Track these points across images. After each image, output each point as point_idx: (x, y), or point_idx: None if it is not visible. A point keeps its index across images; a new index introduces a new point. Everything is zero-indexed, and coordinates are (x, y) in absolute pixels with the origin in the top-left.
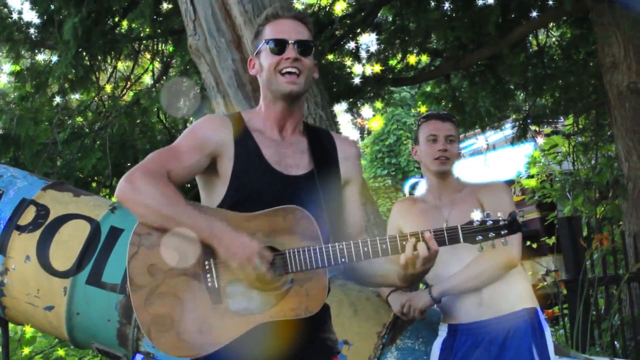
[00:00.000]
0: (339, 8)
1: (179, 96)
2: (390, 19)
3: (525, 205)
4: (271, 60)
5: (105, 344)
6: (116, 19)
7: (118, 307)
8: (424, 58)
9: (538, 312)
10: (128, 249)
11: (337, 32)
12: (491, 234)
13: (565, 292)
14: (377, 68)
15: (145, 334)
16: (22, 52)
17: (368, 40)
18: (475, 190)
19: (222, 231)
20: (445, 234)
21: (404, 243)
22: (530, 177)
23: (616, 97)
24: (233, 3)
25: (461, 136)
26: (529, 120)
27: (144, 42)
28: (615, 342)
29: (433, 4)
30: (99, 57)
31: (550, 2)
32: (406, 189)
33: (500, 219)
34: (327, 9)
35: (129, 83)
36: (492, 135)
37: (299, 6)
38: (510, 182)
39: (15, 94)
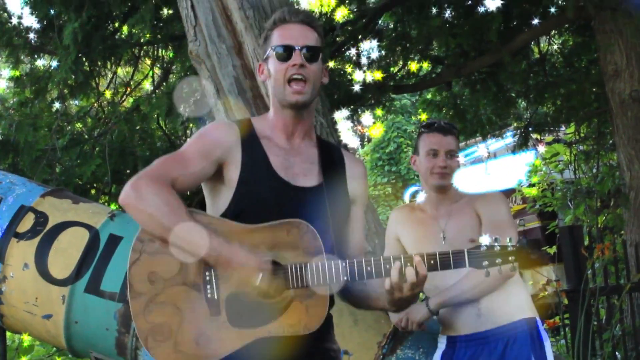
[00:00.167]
0: (340, 14)
1: (191, 96)
2: (392, 25)
3: (526, 214)
4: (278, 67)
5: (104, 353)
6: (116, 24)
7: (117, 315)
8: (425, 65)
9: (537, 322)
10: (130, 255)
11: (338, 39)
12: (498, 260)
13: (566, 302)
14: (378, 75)
15: (142, 343)
16: (22, 57)
17: (369, 47)
18: (472, 200)
19: (220, 246)
20: (451, 257)
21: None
22: (532, 185)
23: (618, 105)
24: (234, 9)
25: (462, 144)
26: (530, 128)
27: (144, 47)
28: (617, 353)
29: (435, 11)
30: (99, 63)
31: (552, 10)
32: (406, 197)
33: (509, 244)
34: (328, 16)
35: (128, 89)
36: (493, 143)
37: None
38: (511, 191)
39: (15, 100)
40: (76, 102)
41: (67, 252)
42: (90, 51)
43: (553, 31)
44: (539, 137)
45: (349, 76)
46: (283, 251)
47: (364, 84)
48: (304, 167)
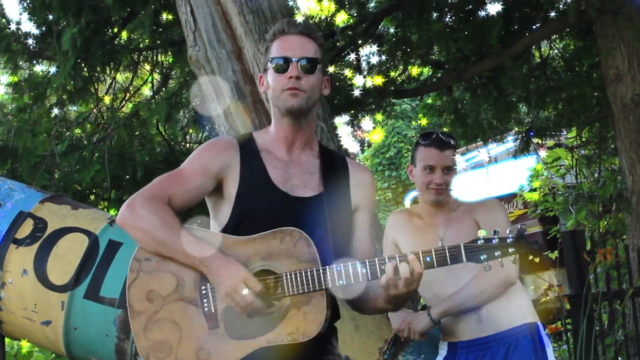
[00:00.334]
0: (340, 19)
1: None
2: (392, 30)
3: (527, 219)
4: (275, 78)
5: (103, 359)
6: (115, 30)
7: (116, 322)
8: (426, 70)
9: (539, 327)
10: (127, 276)
11: (338, 44)
12: (497, 253)
13: (568, 307)
14: (379, 80)
15: None
16: (20, 62)
17: (369, 52)
18: (470, 208)
19: (211, 258)
20: (447, 253)
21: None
22: (533, 190)
23: (620, 109)
24: (234, 14)
25: (463, 149)
26: (531, 133)
27: (143, 53)
28: (619, 358)
29: (435, 15)
30: (98, 68)
31: (553, 14)
32: (407, 201)
33: (508, 236)
34: (328, 20)
35: (128, 94)
36: (494, 148)
37: (299, 18)
38: (512, 196)
39: (13, 106)
40: (75, 107)
41: (66, 258)
42: (89, 57)
43: (554, 35)
44: (540, 141)
45: (349, 81)
46: (277, 260)
47: (364, 88)
48: (303, 177)
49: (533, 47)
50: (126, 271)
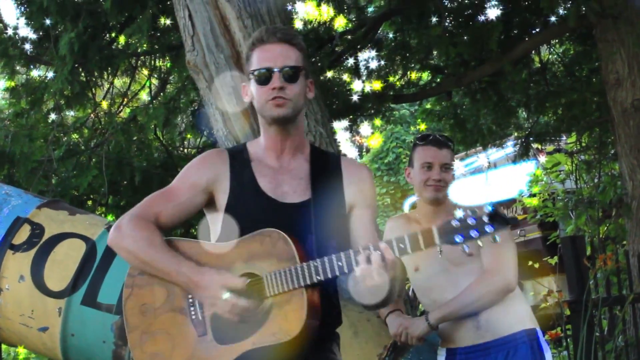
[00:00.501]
0: (339, 24)
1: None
2: (391, 35)
3: (527, 225)
4: (259, 90)
5: None
6: (113, 35)
7: (114, 328)
8: (425, 75)
9: (538, 333)
10: (123, 292)
11: (337, 48)
12: (473, 232)
13: (568, 312)
14: (378, 85)
15: None
16: (18, 67)
17: (368, 57)
18: None
19: (189, 271)
20: (420, 237)
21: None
22: (532, 195)
23: (620, 114)
24: (232, 18)
25: (462, 154)
26: (531, 138)
27: (141, 57)
28: None
29: (434, 20)
30: (96, 73)
31: (553, 19)
32: (406, 207)
33: (484, 214)
34: (327, 25)
35: (125, 99)
36: (494, 153)
37: (298, 22)
38: (511, 201)
39: (10, 111)
40: (72, 112)
41: (63, 264)
42: (87, 61)
43: (554, 40)
44: (539, 146)
45: (347, 86)
46: (259, 262)
47: (363, 93)
48: (293, 183)
49: (533, 52)
50: (124, 277)
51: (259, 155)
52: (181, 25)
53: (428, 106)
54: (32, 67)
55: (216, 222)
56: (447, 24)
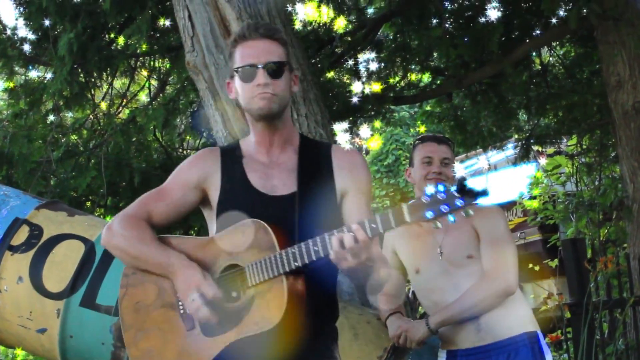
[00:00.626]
0: (339, 25)
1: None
2: (392, 36)
3: (527, 227)
4: (243, 87)
5: None
6: (112, 35)
7: (112, 329)
8: (426, 76)
9: (538, 336)
10: (119, 292)
11: (337, 50)
12: (443, 207)
13: (568, 315)
14: (378, 86)
15: None
16: (16, 68)
17: (368, 58)
18: None
19: (175, 265)
20: (391, 215)
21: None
22: (533, 198)
23: (621, 116)
24: (232, 19)
25: (462, 156)
26: (531, 140)
27: (140, 58)
28: None
29: (435, 21)
30: (95, 74)
31: (554, 20)
32: None
33: (453, 188)
34: (327, 26)
35: (124, 100)
36: (494, 155)
37: (298, 24)
38: (512, 203)
39: (9, 111)
40: (71, 113)
41: (62, 265)
42: (86, 62)
43: (555, 42)
44: (540, 149)
45: (347, 87)
46: (241, 253)
47: (363, 95)
48: (282, 176)
49: (533, 54)
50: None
51: (250, 151)
52: (181, 26)
53: (428, 108)
54: (31, 67)
55: (211, 220)
56: (447, 25)
